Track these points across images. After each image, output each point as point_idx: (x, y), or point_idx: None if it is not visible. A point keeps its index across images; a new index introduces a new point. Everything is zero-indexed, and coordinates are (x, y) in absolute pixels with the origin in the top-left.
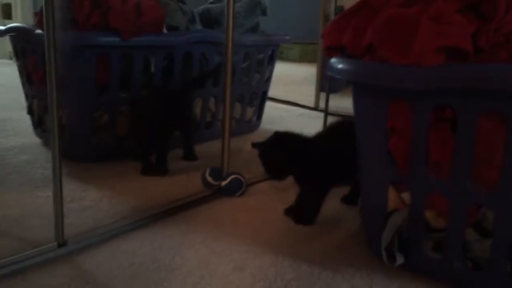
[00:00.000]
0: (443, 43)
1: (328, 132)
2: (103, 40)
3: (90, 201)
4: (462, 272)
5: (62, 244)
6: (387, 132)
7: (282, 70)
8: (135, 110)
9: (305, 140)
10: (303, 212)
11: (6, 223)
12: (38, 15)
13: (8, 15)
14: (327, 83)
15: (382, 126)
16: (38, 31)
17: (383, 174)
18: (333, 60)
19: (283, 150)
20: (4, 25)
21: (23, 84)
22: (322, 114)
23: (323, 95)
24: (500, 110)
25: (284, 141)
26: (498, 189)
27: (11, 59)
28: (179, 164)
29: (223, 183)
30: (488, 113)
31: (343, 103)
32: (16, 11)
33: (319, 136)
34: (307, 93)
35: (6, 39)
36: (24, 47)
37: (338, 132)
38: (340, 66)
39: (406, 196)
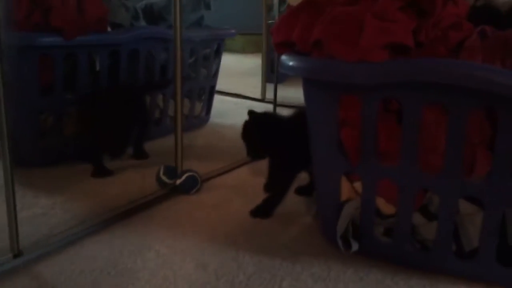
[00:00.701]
0: (387, 40)
1: (294, 118)
2: (45, 41)
3: (42, 208)
4: (412, 254)
5: (17, 254)
6: (337, 124)
7: (226, 62)
8: (89, 110)
9: (280, 120)
10: (264, 203)
11: None
12: None
13: None
14: (276, 75)
15: (332, 119)
16: None
17: (335, 165)
18: (283, 57)
19: (261, 130)
20: None
21: None
22: (269, 106)
23: (269, 86)
24: (441, 101)
25: (261, 120)
26: (442, 174)
27: None
28: (130, 163)
29: (178, 181)
30: (430, 104)
31: (289, 93)
32: None
33: (288, 120)
34: (253, 85)
35: None
36: None
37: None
38: (291, 63)
39: (358, 185)
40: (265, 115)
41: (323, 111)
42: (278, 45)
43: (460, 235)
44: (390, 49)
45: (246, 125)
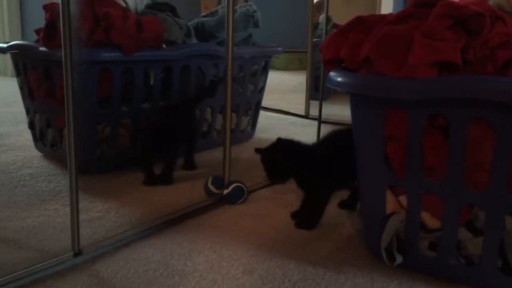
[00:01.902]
0: (435, 58)
1: (326, 140)
2: (106, 56)
3: (98, 212)
4: (456, 269)
5: (78, 253)
6: (384, 139)
7: (270, 79)
8: (144, 123)
9: (305, 146)
10: (307, 216)
11: (22, 235)
12: (40, 32)
13: None
14: (321, 92)
15: (379, 133)
16: (42, 48)
17: (381, 179)
18: (332, 73)
19: (284, 154)
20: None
21: (24, 99)
22: (313, 122)
23: (312, 103)
24: (488, 117)
25: (285, 145)
26: (488, 190)
27: None
28: (180, 173)
29: (225, 191)
30: (477, 120)
31: (332, 111)
32: (3, 26)
33: (319, 143)
34: (296, 101)
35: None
36: (26, 63)
37: (336, 139)
38: (339, 79)
39: (403, 199)
40: (288, 140)
41: (370, 126)
42: (326, 62)
43: (506, 251)
44: (438, 67)
45: (268, 149)
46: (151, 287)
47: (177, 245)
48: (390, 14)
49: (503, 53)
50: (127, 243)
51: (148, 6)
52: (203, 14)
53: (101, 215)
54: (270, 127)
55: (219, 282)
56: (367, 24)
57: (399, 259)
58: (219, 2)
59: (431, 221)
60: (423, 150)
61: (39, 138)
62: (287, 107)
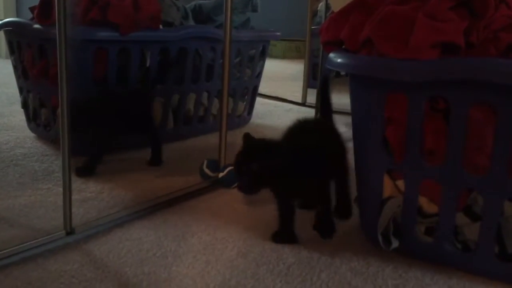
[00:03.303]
0: (437, 39)
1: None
2: (102, 35)
3: (91, 193)
4: (453, 254)
5: (70, 232)
6: (383, 122)
7: (267, 67)
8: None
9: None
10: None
11: (13, 213)
12: (35, 9)
13: None
14: (319, 80)
15: (379, 116)
16: (36, 25)
17: (379, 162)
18: (332, 54)
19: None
20: None
21: (17, 78)
22: (310, 110)
23: (309, 91)
24: (490, 101)
25: (260, 150)
26: (488, 175)
27: None
28: (176, 156)
29: (221, 174)
30: (479, 104)
31: None
32: None
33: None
34: (294, 89)
35: None
36: (20, 41)
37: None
38: (339, 60)
39: (400, 183)
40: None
41: (369, 109)
42: (326, 44)
43: (504, 237)
44: (440, 48)
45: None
46: (144, 267)
47: (171, 226)
48: None
49: (507, 36)
50: (120, 223)
51: None
52: None
53: (94, 196)
54: (266, 113)
55: (213, 263)
56: (368, 5)
57: (395, 243)
58: None
59: (429, 206)
60: (423, 133)
61: (32, 119)
62: (284, 94)
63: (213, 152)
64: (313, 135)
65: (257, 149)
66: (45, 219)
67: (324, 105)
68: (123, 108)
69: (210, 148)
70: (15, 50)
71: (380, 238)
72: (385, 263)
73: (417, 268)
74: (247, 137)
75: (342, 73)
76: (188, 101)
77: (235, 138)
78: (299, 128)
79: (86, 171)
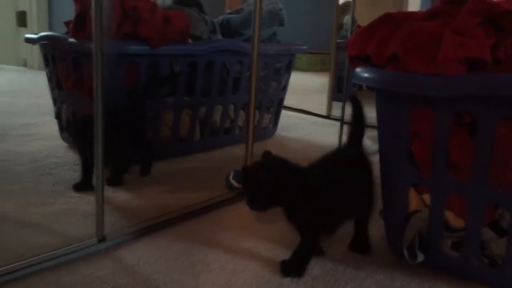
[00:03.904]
0: (465, 55)
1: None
2: (133, 49)
3: (121, 202)
4: (479, 269)
5: (101, 239)
6: (409, 136)
7: (292, 80)
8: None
9: (298, 169)
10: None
11: (47, 220)
12: (70, 24)
13: (23, 23)
14: (343, 93)
15: (404, 130)
16: (71, 39)
17: (404, 176)
18: (358, 69)
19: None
20: (19, 33)
21: (52, 89)
22: (334, 122)
23: (334, 104)
24: None
25: (275, 165)
26: None
27: (25, 66)
28: (201, 167)
29: None
30: (505, 119)
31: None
32: (31, 19)
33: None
34: (318, 102)
35: (22, 47)
36: (55, 54)
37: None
38: (366, 74)
39: (426, 197)
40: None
41: (395, 123)
42: (352, 58)
43: None
44: (467, 64)
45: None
46: (173, 274)
47: (198, 236)
48: (419, 12)
49: None
50: (148, 232)
51: (175, 1)
52: (229, 11)
53: (124, 205)
54: (291, 126)
55: (240, 273)
56: (395, 21)
57: (420, 257)
58: (245, 0)
59: (455, 221)
60: (449, 148)
61: (65, 129)
62: (308, 107)
63: (238, 163)
64: (340, 165)
65: (271, 165)
66: (77, 226)
67: (356, 125)
68: (117, 121)
69: (236, 159)
70: (50, 62)
71: (405, 252)
72: (411, 277)
73: (443, 282)
74: (266, 153)
75: (364, 87)
76: (214, 113)
77: (260, 150)
78: (329, 158)
79: (114, 182)
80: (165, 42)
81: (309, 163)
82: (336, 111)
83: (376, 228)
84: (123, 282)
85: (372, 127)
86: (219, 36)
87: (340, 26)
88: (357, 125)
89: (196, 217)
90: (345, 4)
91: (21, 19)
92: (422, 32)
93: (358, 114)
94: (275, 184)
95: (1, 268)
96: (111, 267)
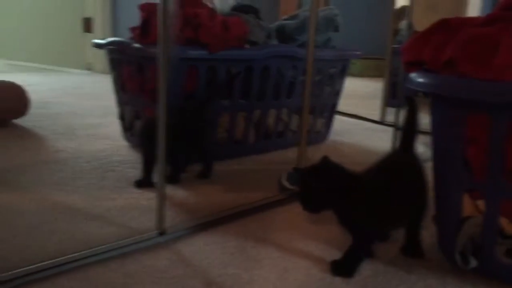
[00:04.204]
0: None
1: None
2: (194, 53)
3: (179, 199)
4: None
5: (161, 233)
6: (464, 141)
7: (345, 85)
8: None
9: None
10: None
11: (111, 213)
12: (135, 30)
13: (88, 29)
14: (398, 98)
15: (459, 136)
16: (136, 44)
17: (459, 182)
18: (413, 74)
19: (326, 180)
20: (85, 38)
21: (116, 92)
22: (388, 128)
23: (388, 110)
24: None
25: (331, 169)
26: None
27: (89, 70)
28: (255, 169)
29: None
30: None
31: None
32: (97, 25)
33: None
34: (372, 108)
35: (87, 52)
36: (120, 58)
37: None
38: (421, 80)
39: (481, 203)
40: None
41: (450, 128)
42: (407, 64)
43: None
44: None
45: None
46: (228, 268)
47: (251, 233)
48: (476, 17)
49: None
50: (205, 228)
51: (233, 8)
52: (284, 17)
53: (182, 201)
54: (344, 131)
55: (291, 270)
56: (452, 26)
57: (473, 263)
58: (299, 6)
59: (509, 227)
60: (505, 153)
61: (127, 129)
62: (362, 112)
63: (290, 166)
64: (393, 170)
65: (327, 169)
66: (139, 220)
67: (409, 127)
68: (182, 123)
69: (288, 162)
70: (115, 66)
71: (458, 257)
72: (463, 282)
73: None
74: (324, 158)
75: (419, 94)
76: (268, 117)
77: (313, 154)
78: (383, 163)
79: (173, 180)
80: (223, 47)
81: (363, 168)
82: (390, 117)
83: (428, 234)
84: (180, 273)
85: (425, 133)
86: (275, 42)
87: (396, 31)
88: (410, 128)
89: (250, 216)
90: (401, 9)
91: (87, 25)
92: (480, 38)
93: (412, 116)
94: (329, 187)
95: (71, 255)
96: (170, 259)
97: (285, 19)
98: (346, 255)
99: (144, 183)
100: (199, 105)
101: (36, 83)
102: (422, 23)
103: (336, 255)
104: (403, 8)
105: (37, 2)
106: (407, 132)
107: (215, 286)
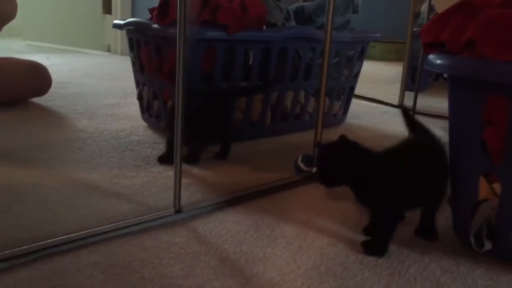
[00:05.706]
0: None
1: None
2: (211, 34)
3: (195, 179)
4: None
5: (178, 210)
6: (482, 124)
7: (364, 68)
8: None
9: (371, 152)
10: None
11: (130, 191)
12: (153, 11)
13: (108, 10)
14: (416, 82)
15: (477, 118)
16: (154, 25)
17: (475, 164)
18: (432, 56)
19: (344, 156)
20: (104, 20)
21: (135, 72)
22: None
23: (407, 94)
24: None
25: (348, 147)
26: None
27: (108, 51)
28: (272, 150)
29: (314, 169)
30: None
31: (428, 102)
32: (116, 6)
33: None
34: (391, 92)
35: (106, 34)
36: (139, 39)
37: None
38: (439, 61)
39: (497, 186)
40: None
41: (468, 110)
42: (426, 46)
43: None
44: None
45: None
46: (242, 246)
47: (266, 213)
48: None
49: None
50: (221, 207)
51: None
52: None
53: (198, 181)
54: (361, 114)
55: (305, 249)
56: (472, 7)
57: (488, 246)
58: None
59: None
60: None
61: (146, 110)
62: (380, 96)
63: (307, 148)
64: (413, 151)
65: (345, 145)
66: (157, 198)
67: (414, 129)
68: (203, 107)
69: (305, 144)
70: (134, 47)
71: (472, 240)
72: (476, 264)
73: (510, 272)
74: (342, 136)
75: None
76: (286, 99)
77: (329, 136)
78: (403, 144)
79: (191, 160)
80: (242, 29)
81: (382, 149)
82: (409, 101)
83: (443, 216)
84: (197, 249)
85: (444, 117)
86: (293, 23)
87: (417, 14)
88: (415, 128)
89: (265, 196)
90: None
91: (106, 7)
92: (501, 19)
93: (411, 123)
94: (347, 161)
95: (92, 229)
96: (186, 236)
97: (304, 1)
98: (377, 235)
99: (166, 159)
100: (219, 87)
101: (56, 63)
102: (443, 5)
103: (351, 235)
104: None
105: None
106: (414, 132)
107: (230, 262)
